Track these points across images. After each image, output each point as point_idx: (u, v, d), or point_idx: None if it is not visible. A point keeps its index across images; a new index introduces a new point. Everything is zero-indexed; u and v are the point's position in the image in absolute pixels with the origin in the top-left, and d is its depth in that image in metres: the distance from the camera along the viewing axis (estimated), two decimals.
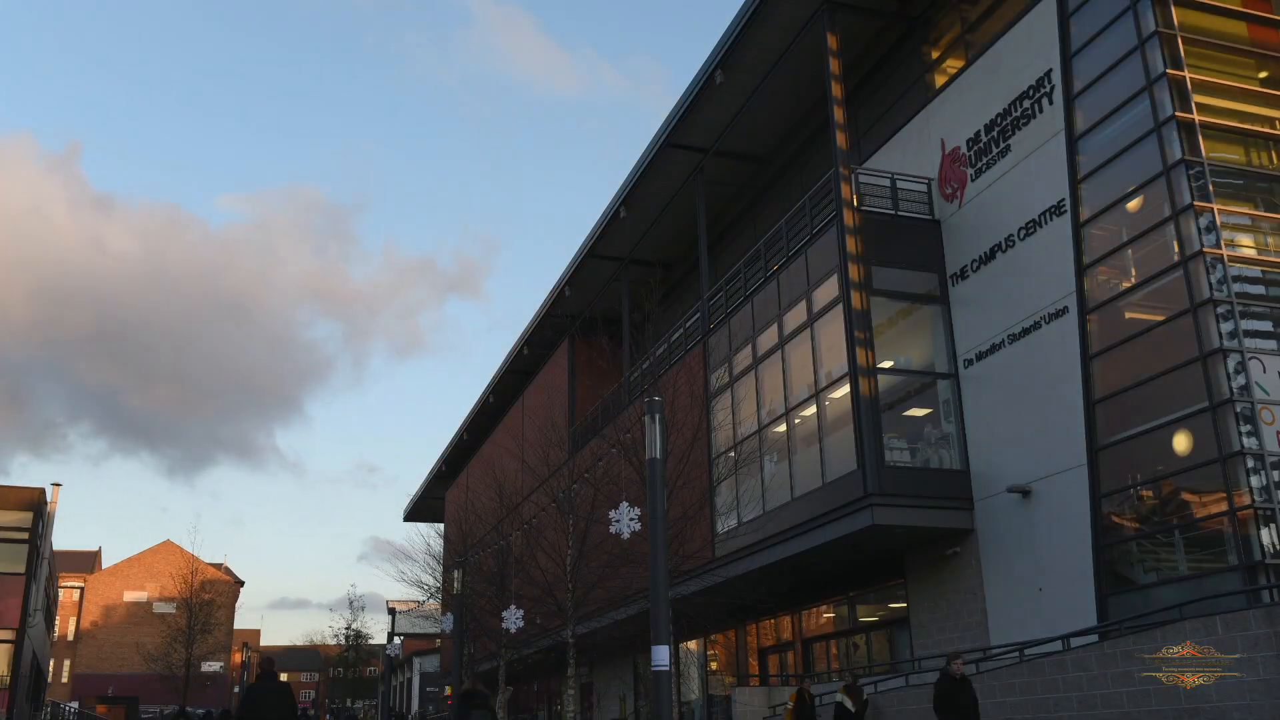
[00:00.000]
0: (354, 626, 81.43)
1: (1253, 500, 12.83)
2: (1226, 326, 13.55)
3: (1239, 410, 13.13)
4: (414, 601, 59.59)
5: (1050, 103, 16.79)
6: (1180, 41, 14.90)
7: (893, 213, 19.33)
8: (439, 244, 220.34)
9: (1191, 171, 14.20)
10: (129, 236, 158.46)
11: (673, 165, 26.08)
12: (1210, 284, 13.69)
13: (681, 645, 27.05)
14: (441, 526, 47.82)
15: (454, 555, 33.36)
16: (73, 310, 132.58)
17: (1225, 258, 13.88)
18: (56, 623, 59.95)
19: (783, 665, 24.53)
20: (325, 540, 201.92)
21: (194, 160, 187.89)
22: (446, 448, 49.94)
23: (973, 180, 18.57)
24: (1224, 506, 13.22)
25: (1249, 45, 16.26)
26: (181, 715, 45.11)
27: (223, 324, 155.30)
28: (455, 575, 25.64)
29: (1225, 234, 14.13)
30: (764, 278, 21.95)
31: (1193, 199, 14.05)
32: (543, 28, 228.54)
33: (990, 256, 17.93)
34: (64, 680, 72.87)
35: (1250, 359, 13.47)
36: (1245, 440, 13.02)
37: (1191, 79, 14.74)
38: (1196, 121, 14.48)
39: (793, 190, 24.41)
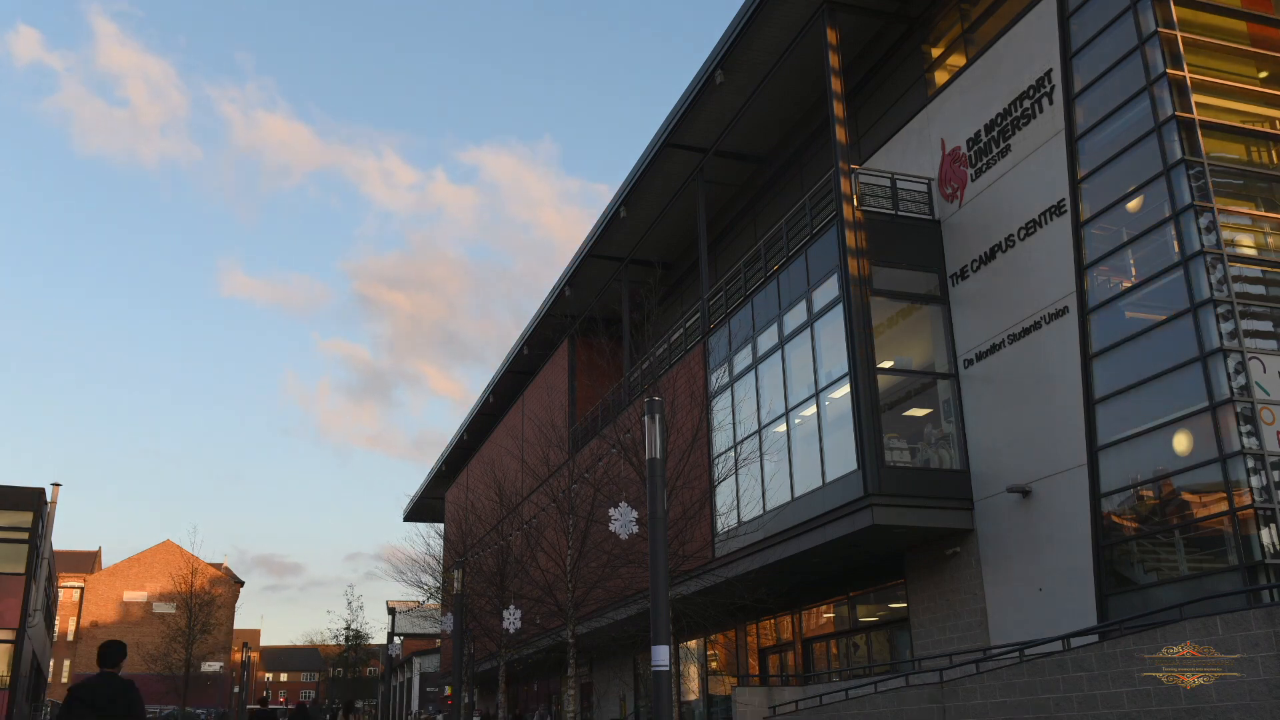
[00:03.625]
0: (354, 626, 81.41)
1: (1253, 500, 12.82)
2: (1226, 326, 13.54)
3: (1239, 410, 13.12)
4: (414, 601, 59.68)
5: (1050, 102, 16.79)
6: (1180, 41, 14.89)
7: (893, 213, 19.33)
8: None
9: (1191, 171, 14.19)
10: None
11: (673, 165, 26.08)
12: (1210, 284, 13.68)
13: (681, 645, 27.04)
14: (441, 526, 47.82)
15: (454, 555, 33.37)
16: None
17: (1225, 257, 13.88)
18: (56, 623, 59.95)
19: (783, 665, 24.52)
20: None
21: None
22: (447, 448, 49.95)
23: (973, 180, 18.57)
24: (1224, 506, 13.21)
25: (1249, 44, 16.26)
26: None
27: None
28: (455, 575, 25.64)
29: (1225, 234, 14.12)
30: (764, 278, 21.95)
31: (1193, 199, 14.05)
32: (539, 25, 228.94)
33: (990, 256, 17.93)
34: (64, 680, 72.85)
35: (1250, 359, 13.46)
36: (1245, 440, 13.01)
37: (1191, 78, 14.74)
38: (1196, 121, 14.47)
39: (793, 190, 24.41)
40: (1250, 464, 12.97)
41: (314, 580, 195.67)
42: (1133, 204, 15.26)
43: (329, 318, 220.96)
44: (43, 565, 32.63)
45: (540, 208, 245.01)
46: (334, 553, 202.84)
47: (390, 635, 68.96)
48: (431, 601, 46.32)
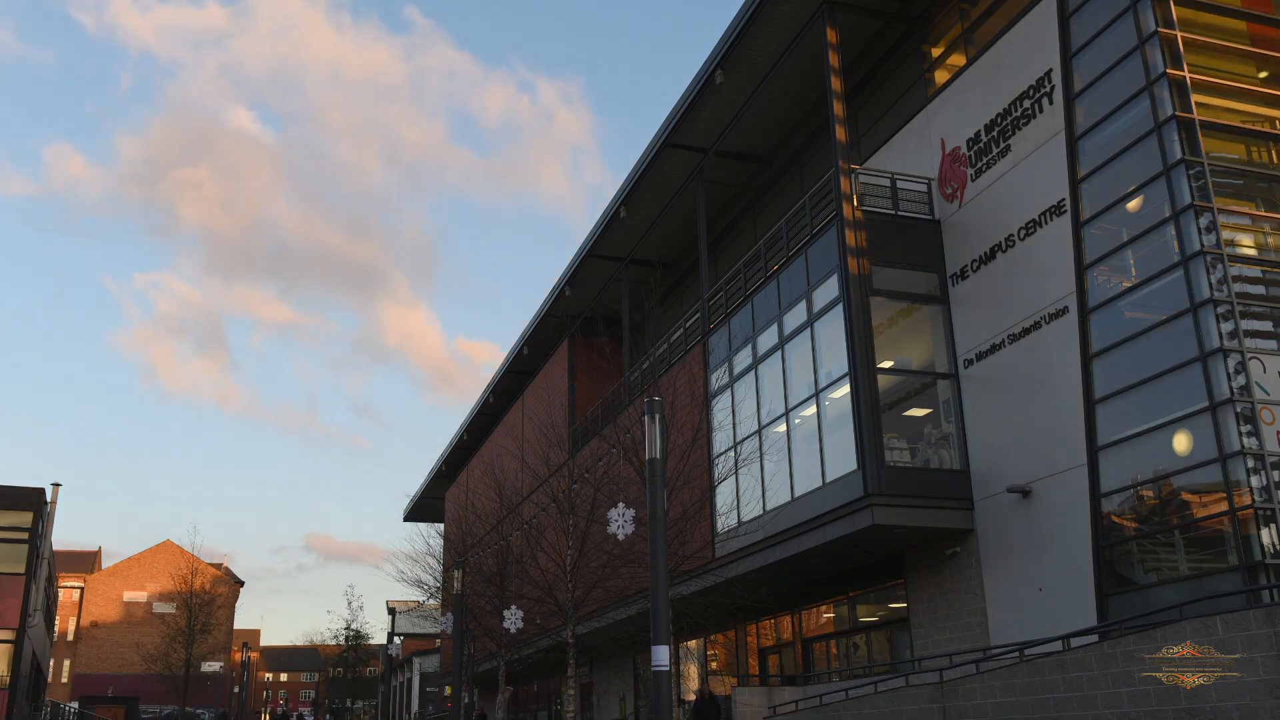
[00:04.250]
0: (354, 626, 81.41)
1: (1253, 500, 12.82)
2: (1226, 326, 13.54)
3: (1239, 410, 13.12)
4: (414, 601, 59.69)
5: (1050, 102, 16.79)
6: (1180, 41, 14.89)
7: (893, 213, 19.33)
8: None
9: (1191, 171, 14.19)
10: None
11: (673, 165, 26.08)
12: (1210, 284, 13.68)
13: (681, 645, 27.05)
14: (442, 526, 47.83)
15: (454, 555, 33.37)
16: None
17: (1225, 257, 13.88)
18: (56, 623, 59.96)
19: (783, 665, 24.53)
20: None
21: None
22: (447, 448, 49.97)
23: (973, 180, 18.56)
24: (1224, 506, 13.21)
25: (1249, 44, 16.26)
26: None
27: None
28: (455, 575, 25.64)
29: (1225, 234, 14.12)
30: (764, 278, 21.95)
31: (1193, 199, 14.04)
32: (536, 23, 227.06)
33: (990, 256, 17.92)
34: (64, 680, 72.87)
35: (1250, 359, 13.46)
36: (1245, 440, 13.01)
37: (1191, 78, 14.74)
38: (1196, 121, 14.47)
39: (793, 190, 24.41)
40: (1250, 464, 12.97)
41: (245, 572, 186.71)
42: (1133, 204, 15.26)
43: (119, 226, 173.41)
44: (43, 565, 32.61)
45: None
46: (260, 544, 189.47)
47: (390, 635, 68.99)
48: (431, 601, 46.32)
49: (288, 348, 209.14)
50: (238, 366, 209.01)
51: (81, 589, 76.04)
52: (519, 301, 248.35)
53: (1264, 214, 15.18)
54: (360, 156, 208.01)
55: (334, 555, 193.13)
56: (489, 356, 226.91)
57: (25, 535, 30.96)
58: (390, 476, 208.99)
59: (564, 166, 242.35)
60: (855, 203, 18.96)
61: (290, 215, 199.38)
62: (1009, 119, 17.71)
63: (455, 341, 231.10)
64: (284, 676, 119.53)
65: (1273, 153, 15.76)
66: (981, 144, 18.36)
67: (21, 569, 30.63)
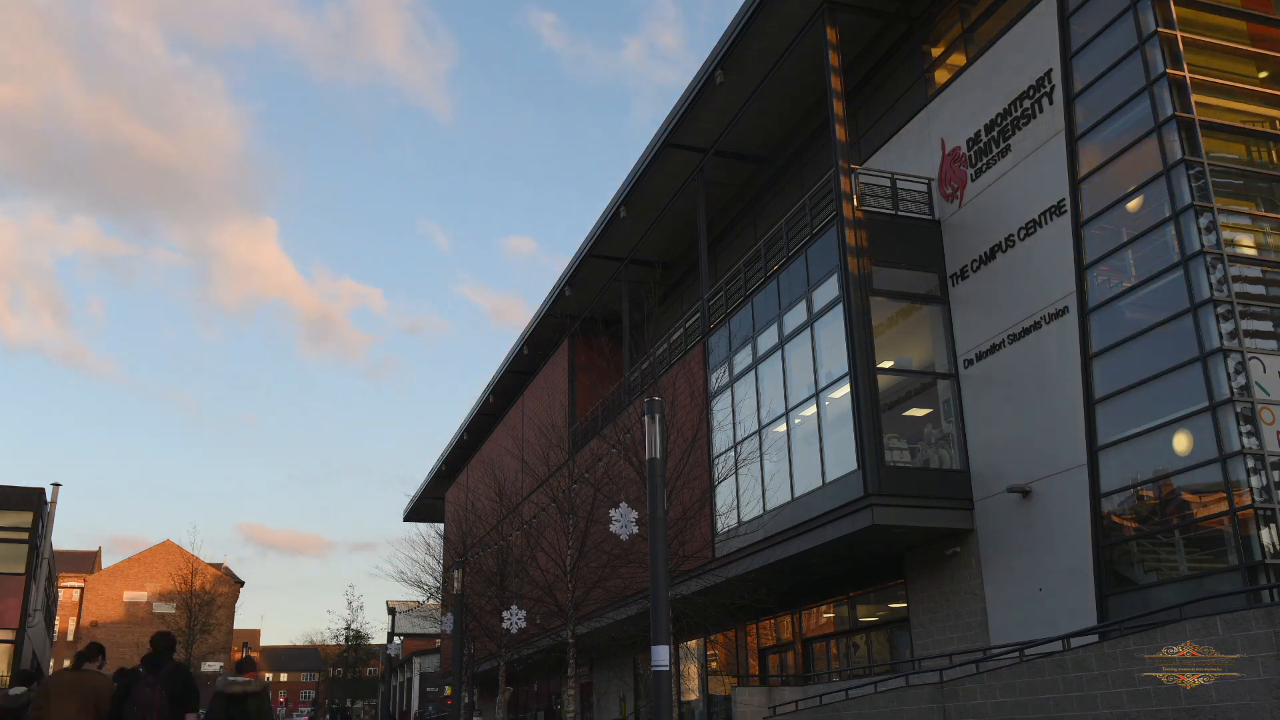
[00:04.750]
0: (354, 626, 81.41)
1: (1253, 500, 12.82)
2: (1226, 326, 13.54)
3: (1239, 410, 13.12)
4: (414, 601, 59.71)
5: (1050, 102, 16.79)
6: (1180, 41, 14.89)
7: (893, 213, 19.32)
8: None
9: (1191, 171, 14.19)
10: None
11: (673, 165, 26.07)
12: (1210, 284, 13.68)
13: (681, 645, 27.04)
14: (441, 526, 47.83)
15: (454, 555, 33.36)
16: None
17: (1225, 257, 13.87)
18: (56, 623, 59.94)
19: (783, 665, 24.52)
20: None
21: None
22: (446, 448, 49.96)
23: (973, 180, 18.56)
24: (1224, 506, 13.21)
25: (1249, 44, 16.26)
26: None
27: None
28: (455, 575, 25.64)
29: (1225, 234, 14.11)
30: (764, 278, 21.95)
31: (1193, 199, 14.04)
32: (538, 23, 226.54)
33: (990, 256, 17.92)
34: None
35: (1250, 359, 13.46)
36: (1245, 440, 13.01)
37: (1192, 78, 14.73)
38: (1196, 121, 14.47)
39: (793, 190, 24.40)
40: (1250, 464, 12.97)
41: None
42: (1133, 204, 15.26)
43: None
44: (43, 565, 32.62)
45: None
46: (185, 535, 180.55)
47: (390, 635, 69.03)
48: (431, 601, 46.34)
49: (127, 293, 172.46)
50: (78, 317, 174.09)
51: (81, 589, 76.10)
52: (381, 222, 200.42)
53: (1264, 214, 15.18)
54: (146, 9, 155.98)
55: (272, 546, 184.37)
56: (354, 299, 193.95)
57: (25, 535, 30.99)
58: (289, 458, 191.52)
59: (405, 33, 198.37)
60: (855, 203, 18.96)
61: (82, 103, 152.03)
62: (1009, 119, 17.71)
63: (313, 275, 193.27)
64: (284, 676, 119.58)
65: (1273, 153, 15.76)
66: (981, 144, 18.36)
67: (21, 569, 30.66)
